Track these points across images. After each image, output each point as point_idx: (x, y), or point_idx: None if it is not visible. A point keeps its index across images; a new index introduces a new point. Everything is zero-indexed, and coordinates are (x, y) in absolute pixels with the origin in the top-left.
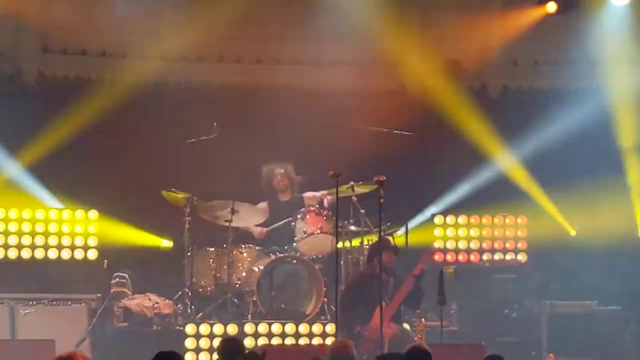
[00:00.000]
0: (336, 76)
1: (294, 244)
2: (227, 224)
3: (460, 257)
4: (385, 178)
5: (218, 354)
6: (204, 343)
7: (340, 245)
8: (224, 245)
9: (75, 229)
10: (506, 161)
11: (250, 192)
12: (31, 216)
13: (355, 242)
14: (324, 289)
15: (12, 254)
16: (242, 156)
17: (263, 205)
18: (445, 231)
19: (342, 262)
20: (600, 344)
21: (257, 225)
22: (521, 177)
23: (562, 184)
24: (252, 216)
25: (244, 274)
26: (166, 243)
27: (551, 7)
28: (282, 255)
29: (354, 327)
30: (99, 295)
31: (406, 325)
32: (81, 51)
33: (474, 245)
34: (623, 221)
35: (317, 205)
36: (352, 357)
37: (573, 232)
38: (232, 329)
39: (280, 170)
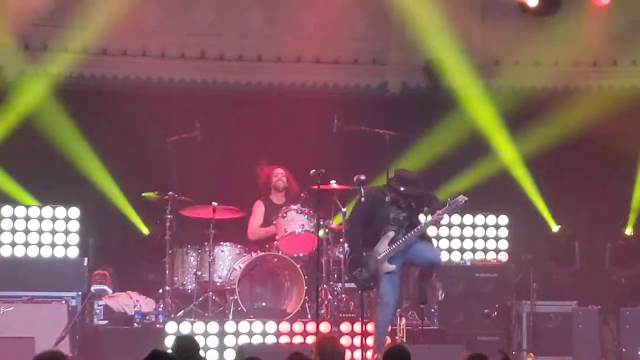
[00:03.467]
0: (317, 74)
1: (275, 242)
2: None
3: (442, 256)
4: (365, 177)
5: (173, 351)
6: None
7: (321, 240)
8: (205, 243)
9: (56, 227)
10: (488, 159)
11: (232, 191)
12: (11, 213)
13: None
14: (305, 287)
15: None
16: (224, 154)
17: (260, 209)
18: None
19: (323, 261)
20: (579, 343)
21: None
22: (503, 175)
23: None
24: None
25: (225, 272)
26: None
27: (532, 2)
28: (263, 253)
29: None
30: (79, 293)
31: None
32: (63, 48)
33: (455, 244)
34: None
35: (299, 204)
36: (340, 350)
37: (556, 229)
38: (213, 327)
39: (280, 169)
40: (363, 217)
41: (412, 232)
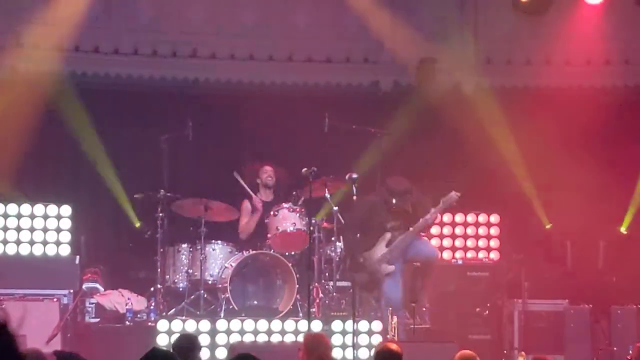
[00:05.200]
0: (309, 73)
1: (267, 240)
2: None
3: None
4: (357, 175)
5: (173, 349)
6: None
7: (312, 238)
8: (197, 242)
9: (48, 225)
10: (480, 158)
11: (224, 190)
12: (3, 211)
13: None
14: (297, 285)
15: None
16: (216, 152)
17: (247, 207)
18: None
19: (314, 259)
20: (571, 342)
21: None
22: (495, 174)
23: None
24: (224, 212)
25: (216, 270)
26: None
27: None
28: (255, 251)
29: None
30: (71, 291)
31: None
32: (57, 47)
33: (446, 243)
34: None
35: (291, 202)
36: (329, 345)
37: (548, 226)
38: (204, 326)
39: (268, 167)
40: (359, 223)
41: (408, 232)
